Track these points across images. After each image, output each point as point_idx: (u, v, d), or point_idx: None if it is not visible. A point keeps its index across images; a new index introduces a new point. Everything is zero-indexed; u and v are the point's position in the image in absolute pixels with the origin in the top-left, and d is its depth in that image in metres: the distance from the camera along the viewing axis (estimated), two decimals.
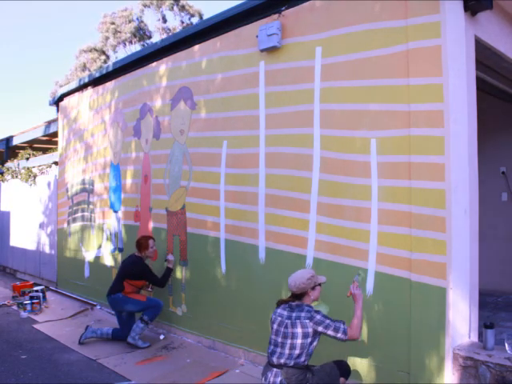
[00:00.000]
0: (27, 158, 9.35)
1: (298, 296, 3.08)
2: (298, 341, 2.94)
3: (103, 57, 22.42)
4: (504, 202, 5.94)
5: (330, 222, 3.65)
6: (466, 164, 3.24)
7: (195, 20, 22.53)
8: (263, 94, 4.20)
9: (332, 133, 3.67)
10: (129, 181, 5.99)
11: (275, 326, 3.05)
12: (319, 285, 3.17)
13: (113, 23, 22.27)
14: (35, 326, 5.68)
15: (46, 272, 8.28)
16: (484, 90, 4.89)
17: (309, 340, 2.96)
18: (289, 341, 2.96)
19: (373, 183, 3.39)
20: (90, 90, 6.97)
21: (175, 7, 22.28)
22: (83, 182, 7.03)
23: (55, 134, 8.83)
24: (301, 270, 3.17)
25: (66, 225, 7.45)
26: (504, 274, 5.76)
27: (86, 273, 6.84)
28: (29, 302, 6.38)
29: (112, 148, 6.34)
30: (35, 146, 11.10)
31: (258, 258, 4.22)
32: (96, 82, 6.80)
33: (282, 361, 2.95)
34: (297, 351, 2.94)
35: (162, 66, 5.46)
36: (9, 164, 10.07)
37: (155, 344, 4.88)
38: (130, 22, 22.27)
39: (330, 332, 2.94)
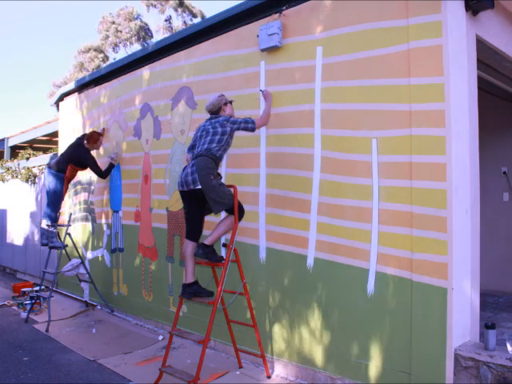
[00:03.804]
0: (27, 158, 9.34)
1: (214, 113, 3.79)
2: (217, 136, 3.58)
3: (101, 55, 22.39)
4: (506, 202, 5.93)
5: (331, 222, 3.64)
6: (467, 164, 3.24)
7: (197, 21, 22.56)
8: None
9: (333, 133, 3.66)
10: (129, 181, 5.98)
11: (198, 134, 3.75)
12: (230, 102, 3.87)
13: (113, 22, 22.25)
14: (35, 326, 5.67)
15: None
16: (485, 89, 4.88)
17: (225, 137, 3.61)
18: (209, 137, 3.59)
19: (374, 183, 3.38)
20: (89, 90, 6.96)
21: (179, 8, 22.28)
22: (83, 182, 7.03)
23: (56, 134, 8.83)
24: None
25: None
26: (505, 274, 5.75)
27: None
28: (29, 302, 6.37)
29: (112, 148, 6.33)
30: (35, 145, 11.11)
31: (259, 258, 4.21)
32: (96, 81, 6.79)
33: (199, 151, 3.57)
34: (214, 144, 3.57)
35: (162, 66, 5.45)
36: (9, 164, 10.06)
37: (155, 344, 4.87)
38: (130, 20, 22.25)
39: (242, 125, 3.69)
